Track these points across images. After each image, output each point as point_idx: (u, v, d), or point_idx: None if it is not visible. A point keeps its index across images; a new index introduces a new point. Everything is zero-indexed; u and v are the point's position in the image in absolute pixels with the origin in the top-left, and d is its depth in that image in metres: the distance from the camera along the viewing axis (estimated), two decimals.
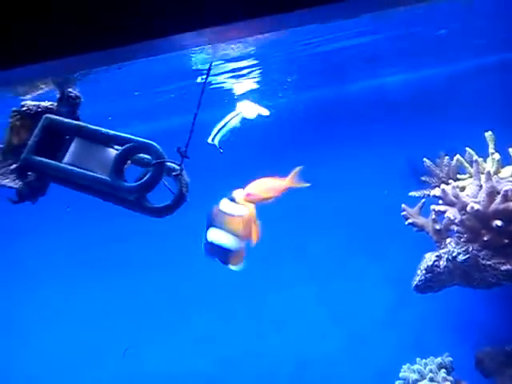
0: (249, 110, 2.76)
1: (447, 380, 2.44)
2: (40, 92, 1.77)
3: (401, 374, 2.57)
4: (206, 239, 2.14)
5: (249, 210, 2.15)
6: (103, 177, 1.48)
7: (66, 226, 3.20)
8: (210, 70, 1.77)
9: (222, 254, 2.13)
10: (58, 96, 1.65)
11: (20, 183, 1.60)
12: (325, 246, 3.14)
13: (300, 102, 3.22)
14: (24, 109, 1.64)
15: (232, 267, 2.15)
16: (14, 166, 1.61)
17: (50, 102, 1.67)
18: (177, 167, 1.51)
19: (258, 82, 3.12)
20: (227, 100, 3.15)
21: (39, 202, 1.65)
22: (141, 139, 1.49)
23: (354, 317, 3.09)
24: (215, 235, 2.12)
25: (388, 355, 2.92)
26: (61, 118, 1.56)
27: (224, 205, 2.16)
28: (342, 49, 2.78)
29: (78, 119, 1.63)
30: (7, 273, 3.30)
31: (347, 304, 3.11)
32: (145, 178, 1.47)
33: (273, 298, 3.19)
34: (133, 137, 1.50)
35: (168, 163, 1.48)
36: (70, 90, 1.64)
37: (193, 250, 3.19)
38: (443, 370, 2.47)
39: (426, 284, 2.54)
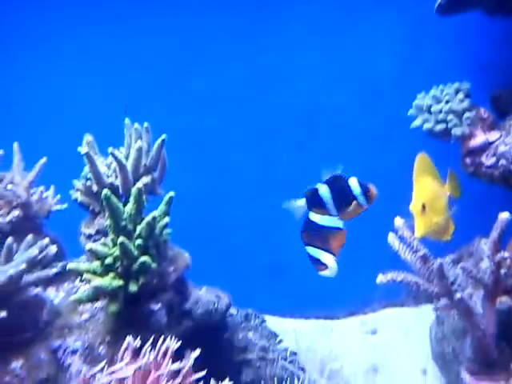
0: None
1: (463, 102, 2.32)
2: None
3: (415, 103, 2.44)
4: None
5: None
6: None
7: None
8: None
9: None
10: None
11: None
12: None
13: None
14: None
15: None
16: None
17: None
18: None
19: None
20: None
21: None
22: None
23: (366, 66, 2.93)
24: None
25: (401, 103, 2.79)
26: None
27: None
28: None
29: None
30: None
31: (358, 54, 2.94)
32: None
33: (276, 53, 3.01)
34: None
35: None
36: None
37: None
38: (460, 93, 2.34)
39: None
